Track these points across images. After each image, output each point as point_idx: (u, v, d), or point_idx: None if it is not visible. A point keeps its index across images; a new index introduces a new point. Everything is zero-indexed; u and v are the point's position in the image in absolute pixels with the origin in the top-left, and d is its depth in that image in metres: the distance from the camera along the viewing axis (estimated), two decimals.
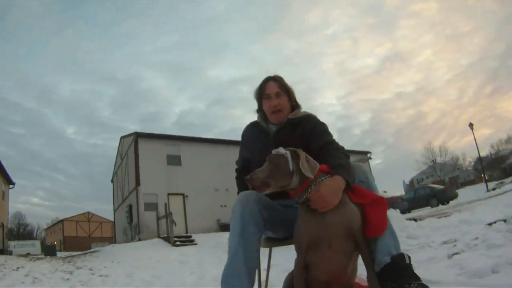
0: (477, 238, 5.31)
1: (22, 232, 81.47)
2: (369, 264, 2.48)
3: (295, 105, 3.26)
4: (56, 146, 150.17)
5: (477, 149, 46.20)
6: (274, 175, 2.40)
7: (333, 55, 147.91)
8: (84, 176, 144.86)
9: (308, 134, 3.00)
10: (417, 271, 2.51)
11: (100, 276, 9.63)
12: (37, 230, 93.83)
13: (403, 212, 25.84)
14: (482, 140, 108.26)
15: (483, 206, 11.12)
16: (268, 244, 3.21)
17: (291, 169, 2.42)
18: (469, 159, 78.91)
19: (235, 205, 2.80)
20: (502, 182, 42.69)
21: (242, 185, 3.34)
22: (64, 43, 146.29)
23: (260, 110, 3.32)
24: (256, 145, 3.23)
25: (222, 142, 33.71)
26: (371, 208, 2.49)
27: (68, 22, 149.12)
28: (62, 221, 78.46)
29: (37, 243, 41.27)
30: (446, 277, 3.48)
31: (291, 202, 2.76)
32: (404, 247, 6.04)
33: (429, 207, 28.15)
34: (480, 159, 51.30)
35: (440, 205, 27.16)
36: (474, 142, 44.89)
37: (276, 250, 3.32)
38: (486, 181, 42.74)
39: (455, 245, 5.40)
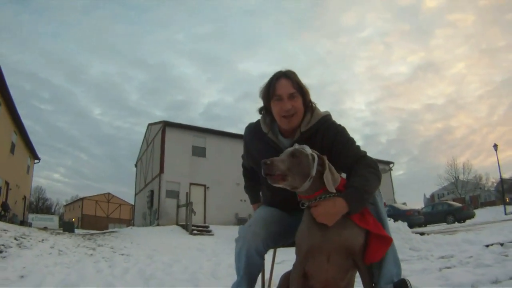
0: (471, 256, 5.63)
1: (40, 206, 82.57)
2: None
3: (307, 109, 2.82)
4: (81, 125, 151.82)
5: (499, 171, 46.13)
6: (294, 171, 2.34)
7: (365, 59, 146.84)
8: (107, 157, 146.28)
9: (329, 145, 2.69)
10: (409, 279, 2.55)
11: (122, 255, 9.95)
12: (56, 206, 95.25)
13: (419, 225, 26.08)
14: (509, 161, 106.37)
15: (491, 229, 11.44)
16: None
17: (312, 172, 2.36)
18: (492, 179, 77.84)
19: (241, 238, 2.74)
20: None
21: (249, 186, 3.49)
22: (97, 25, 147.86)
23: (266, 112, 2.91)
24: (262, 158, 2.55)
25: None
26: (375, 240, 2.41)
27: (102, 4, 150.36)
28: (82, 199, 79.54)
29: (55, 218, 42.33)
30: (431, 285, 3.96)
31: (296, 212, 2.70)
32: (404, 257, 6.53)
33: (445, 223, 28.09)
34: (501, 181, 50.77)
35: (456, 222, 27.26)
36: (498, 163, 44.66)
37: (281, 249, 3.23)
38: (505, 204, 42.47)
39: (449, 260, 5.83)
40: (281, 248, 3.15)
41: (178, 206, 26.38)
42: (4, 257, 6.55)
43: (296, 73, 2.81)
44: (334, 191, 2.36)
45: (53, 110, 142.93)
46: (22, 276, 5.14)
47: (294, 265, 2.52)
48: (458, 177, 72.53)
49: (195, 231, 22.42)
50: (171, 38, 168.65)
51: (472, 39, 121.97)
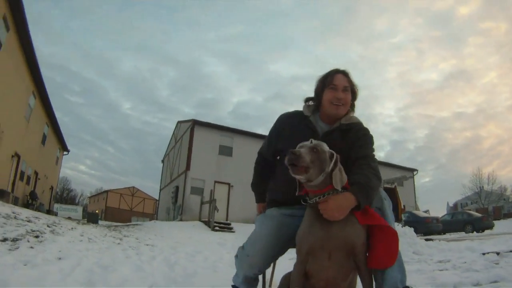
0: (465, 262, 5.87)
1: (65, 197, 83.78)
2: None
3: (351, 107, 3.12)
4: (110, 118, 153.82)
5: None
6: (315, 164, 2.41)
7: (397, 65, 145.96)
8: (133, 151, 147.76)
9: (353, 142, 2.88)
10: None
11: (147, 245, 10.28)
12: (80, 197, 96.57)
13: (438, 233, 26.18)
14: None
15: (499, 239, 11.63)
16: None
17: (328, 168, 2.45)
18: None
19: (238, 267, 3.10)
20: None
21: (258, 177, 3.53)
22: (130, 21, 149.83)
23: (315, 100, 3.14)
24: (298, 139, 2.78)
25: None
26: (380, 240, 2.48)
27: (134, 1, 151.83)
28: (107, 191, 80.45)
29: (79, 209, 43.07)
30: (419, 284, 4.33)
31: (298, 212, 2.81)
32: (405, 259, 6.86)
33: (464, 232, 27.98)
34: None
35: (474, 232, 27.31)
36: None
37: None
38: None
39: (445, 264, 6.12)
40: None
41: (202, 203, 26.81)
42: (41, 241, 6.98)
43: (351, 74, 3.09)
44: (340, 188, 2.43)
45: (83, 103, 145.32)
46: (59, 258, 5.56)
47: (295, 265, 2.58)
48: (482, 187, 71.70)
49: (216, 227, 22.88)
50: (202, 37, 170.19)
51: (504, 48, 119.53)
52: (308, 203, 2.54)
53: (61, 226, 10.75)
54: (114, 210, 74.50)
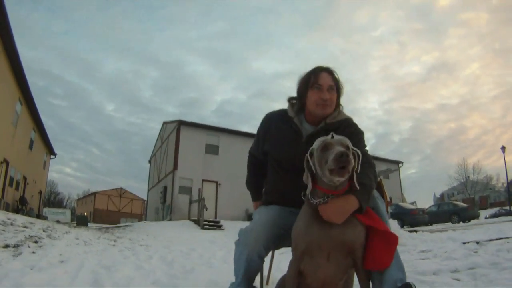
0: (446, 251, 6.20)
1: (52, 200, 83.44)
2: None
3: (337, 106, 3.01)
4: (94, 120, 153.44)
5: (506, 172, 46.76)
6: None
7: (379, 59, 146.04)
8: (119, 153, 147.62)
9: None
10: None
11: (141, 245, 10.48)
12: (67, 200, 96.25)
13: (424, 224, 26.61)
14: None
15: (479, 229, 11.98)
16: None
17: (358, 168, 2.38)
18: (503, 180, 76.90)
19: (243, 243, 2.84)
20: None
21: (252, 175, 3.53)
22: (109, 22, 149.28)
23: (298, 100, 3.04)
24: (283, 143, 2.98)
25: None
26: (378, 242, 2.44)
27: (114, 1, 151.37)
28: (94, 193, 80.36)
29: (68, 212, 43.08)
30: None
31: (296, 211, 2.69)
32: None
33: (450, 223, 28.49)
34: (508, 183, 51.26)
35: (461, 222, 27.75)
36: (505, 165, 45.23)
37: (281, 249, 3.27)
38: (510, 205, 42.97)
39: (426, 254, 6.48)
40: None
41: (191, 202, 27.18)
42: (41, 246, 7.25)
43: (336, 71, 2.98)
44: (358, 187, 2.36)
45: (66, 106, 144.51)
46: (62, 261, 5.81)
47: (290, 263, 2.53)
48: (468, 177, 72.91)
49: (206, 226, 23.15)
50: (183, 36, 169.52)
51: (485, 39, 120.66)
52: (309, 203, 2.44)
53: (56, 231, 11.03)
54: (103, 212, 74.52)
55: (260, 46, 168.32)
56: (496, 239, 7.29)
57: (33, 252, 6.38)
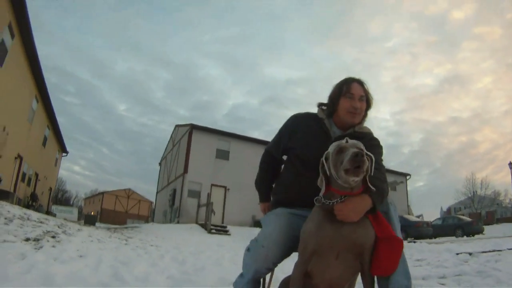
0: (439, 260, 6.55)
1: (60, 198, 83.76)
2: None
3: (364, 116, 3.14)
4: (106, 120, 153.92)
5: None
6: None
7: (391, 69, 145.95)
8: (129, 153, 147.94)
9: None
10: None
11: (152, 245, 10.74)
12: (74, 198, 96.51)
13: (429, 237, 26.75)
14: None
15: (477, 243, 12.15)
16: None
17: (369, 171, 2.45)
18: (511, 196, 76.59)
19: (252, 260, 2.89)
20: None
21: (264, 175, 3.56)
22: (124, 22, 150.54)
23: (329, 106, 3.13)
24: (311, 139, 3.02)
25: None
26: (384, 246, 2.47)
27: (130, 2, 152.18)
28: (102, 193, 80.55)
29: (75, 211, 43.23)
30: None
31: (306, 213, 2.75)
32: None
33: (454, 236, 28.53)
34: None
35: (465, 236, 27.83)
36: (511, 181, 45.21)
37: None
38: None
39: (421, 262, 6.79)
40: None
41: (199, 206, 27.40)
42: (58, 241, 7.51)
43: (366, 83, 3.13)
44: (374, 189, 2.44)
45: (78, 103, 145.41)
46: (80, 256, 6.11)
47: (296, 264, 2.55)
48: (475, 192, 72.42)
49: (213, 230, 23.38)
50: (197, 39, 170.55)
51: (499, 53, 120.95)
52: (322, 204, 2.49)
53: (70, 228, 11.27)
54: (110, 212, 74.72)
55: (273, 52, 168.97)
56: (489, 251, 7.55)
57: (53, 246, 6.67)
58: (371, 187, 2.42)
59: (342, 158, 2.34)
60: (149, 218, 69.98)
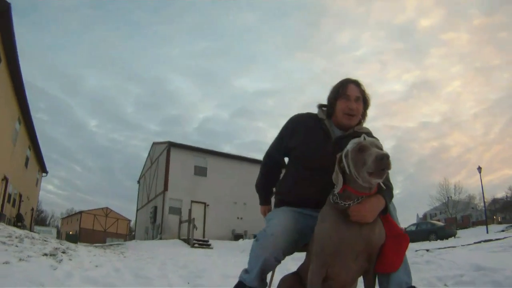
0: None
1: (36, 218, 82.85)
2: None
3: (363, 116, 3.17)
4: (77, 136, 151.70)
5: (482, 193, 48.68)
6: None
7: (361, 77, 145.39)
8: (101, 170, 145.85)
9: None
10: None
11: (148, 258, 11.38)
12: (51, 218, 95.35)
13: None
14: (506, 179, 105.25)
15: (443, 242, 13.13)
16: None
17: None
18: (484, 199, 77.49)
19: (260, 246, 2.84)
20: (511, 226, 44.26)
21: (265, 178, 3.51)
22: (95, 38, 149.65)
23: (328, 108, 3.15)
24: (312, 140, 3.04)
25: (246, 160, 36.51)
26: (391, 244, 2.49)
27: (100, 18, 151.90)
28: (80, 212, 79.89)
29: (54, 231, 43.53)
30: None
31: (309, 212, 2.91)
32: None
33: (428, 241, 29.39)
34: (484, 203, 53.20)
35: (438, 240, 28.80)
36: (481, 186, 46.76)
37: None
38: (487, 224, 44.68)
39: None
40: None
41: (181, 222, 28.25)
42: (70, 256, 8.31)
43: (363, 84, 3.14)
44: (385, 188, 2.49)
45: (49, 120, 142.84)
46: (97, 266, 7.08)
47: (313, 271, 2.49)
48: (450, 197, 73.01)
49: (196, 245, 24.26)
50: (167, 53, 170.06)
51: (466, 58, 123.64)
52: (336, 204, 2.48)
53: (67, 246, 12.06)
54: (88, 231, 74.25)
55: (243, 65, 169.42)
56: (444, 248, 8.54)
57: (70, 259, 7.63)
58: (383, 186, 2.48)
59: (365, 159, 2.32)
60: (127, 236, 70.02)
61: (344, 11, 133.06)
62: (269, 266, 2.86)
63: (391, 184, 2.67)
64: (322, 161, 2.85)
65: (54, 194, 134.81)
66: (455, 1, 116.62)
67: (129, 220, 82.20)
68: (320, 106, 3.23)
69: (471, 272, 5.15)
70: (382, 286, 2.57)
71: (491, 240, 13.95)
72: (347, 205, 2.40)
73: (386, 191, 2.52)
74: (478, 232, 35.65)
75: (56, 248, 9.31)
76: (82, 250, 10.98)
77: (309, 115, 3.24)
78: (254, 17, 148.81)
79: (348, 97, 3.00)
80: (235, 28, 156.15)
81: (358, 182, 2.38)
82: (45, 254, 7.75)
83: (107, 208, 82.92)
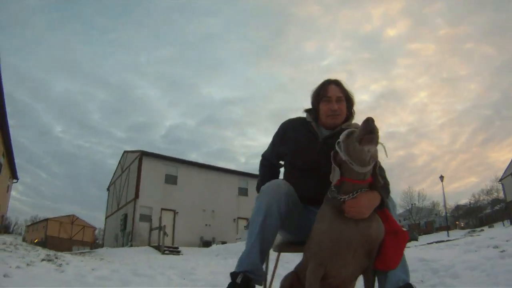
0: None
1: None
2: None
3: (349, 114, 3.13)
4: (42, 142, 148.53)
5: (444, 200, 52.49)
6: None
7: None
8: (66, 177, 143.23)
9: None
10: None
11: (122, 264, 11.26)
12: (14, 225, 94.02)
13: None
14: (470, 187, 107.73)
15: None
16: (276, 249, 3.19)
17: (377, 158, 2.42)
18: (448, 206, 77.27)
19: (263, 193, 2.77)
20: (473, 230, 46.02)
21: (265, 177, 3.28)
22: (60, 42, 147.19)
23: (312, 111, 3.15)
24: (301, 144, 3.04)
25: (215, 169, 38.09)
26: (390, 240, 2.47)
27: (65, 22, 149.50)
28: (47, 220, 79.13)
29: (19, 239, 43.49)
30: None
31: (310, 207, 2.89)
32: None
33: None
34: (445, 209, 56.92)
35: None
36: (443, 193, 48.87)
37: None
38: (448, 229, 47.44)
39: None
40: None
41: (151, 229, 28.99)
42: (64, 261, 9.12)
43: (344, 83, 3.12)
44: (382, 181, 2.45)
45: (14, 124, 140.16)
46: (93, 269, 7.75)
47: (311, 271, 2.48)
48: (414, 204, 75.40)
49: (166, 251, 24.98)
50: (134, 59, 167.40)
51: (433, 68, 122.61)
52: (333, 198, 2.47)
53: (53, 253, 12.60)
54: (55, 239, 73.16)
55: (210, 72, 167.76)
56: None
57: (67, 264, 8.50)
58: (380, 179, 2.44)
59: (353, 136, 2.34)
60: (93, 244, 69.63)
61: (311, 20, 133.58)
62: (270, 220, 2.70)
63: (387, 180, 2.66)
64: (312, 162, 2.93)
65: (18, 200, 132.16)
66: (420, 11, 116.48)
67: (95, 228, 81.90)
68: (307, 110, 3.22)
69: (416, 263, 6.34)
70: (380, 284, 2.57)
71: (442, 241, 15.24)
72: (342, 199, 2.40)
73: (381, 186, 2.50)
74: (440, 237, 36.92)
75: (48, 255, 10.06)
76: (68, 257, 11.63)
77: (298, 119, 3.25)
78: (220, 24, 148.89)
79: (329, 98, 3.01)
80: (201, 35, 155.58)
81: (353, 169, 2.37)
82: (43, 260, 8.60)
83: (73, 215, 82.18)
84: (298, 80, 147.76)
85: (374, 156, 2.38)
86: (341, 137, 2.46)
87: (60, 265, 8.06)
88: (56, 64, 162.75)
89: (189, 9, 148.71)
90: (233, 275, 2.58)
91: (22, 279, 5.57)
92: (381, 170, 2.62)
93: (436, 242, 14.29)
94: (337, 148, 2.46)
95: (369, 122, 2.23)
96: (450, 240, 15.24)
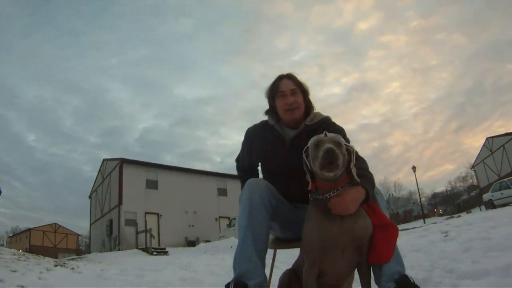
0: None
1: None
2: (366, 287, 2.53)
3: (309, 105, 3.07)
4: (15, 151, 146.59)
5: (417, 189, 53.34)
6: (342, 159, 2.31)
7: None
8: (42, 186, 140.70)
9: None
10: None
11: (124, 264, 12.01)
12: None
13: None
14: (446, 174, 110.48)
15: None
16: (273, 245, 3.16)
17: (353, 162, 2.40)
18: (425, 194, 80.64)
19: (244, 189, 2.76)
20: (451, 217, 47.56)
21: (246, 178, 3.02)
22: (30, 47, 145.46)
23: (271, 111, 3.12)
24: (268, 150, 3.01)
25: (194, 172, 39.69)
26: (381, 234, 2.44)
27: (35, 27, 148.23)
28: (29, 229, 78.98)
29: (6, 250, 44.03)
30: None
31: (301, 206, 2.82)
32: None
33: None
34: (419, 197, 57.58)
35: None
36: (416, 184, 50.45)
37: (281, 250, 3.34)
38: (424, 217, 49.11)
39: None
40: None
41: (137, 232, 29.80)
42: (72, 268, 9.66)
43: (297, 75, 3.09)
44: (358, 180, 2.39)
45: None
46: (102, 270, 8.85)
47: (306, 269, 2.48)
48: (391, 194, 76.39)
49: (154, 253, 25.96)
50: (105, 62, 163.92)
51: (405, 59, 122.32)
52: (316, 200, 2.42)
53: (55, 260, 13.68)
54: (39, 248, 72.95)
55: (182, 72, 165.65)
56: None
57: (78, 267, 9.56)
58: (356, 178, 2.38)
59: (318, 154, 2.31)
60: (77, 250, 69.76)
61: (282, 17, 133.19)
62: (256, 210, 2.67)
63: (369, 173, 2.61)
64: (284, 165, 2.90)
65: None
66: (392, 5, 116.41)
67: (78, 235, 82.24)
68: (267, 112, 3.19)
69: None
70: (376, 277, 2.51)
71: (414, 228, 16.67)
72: (325, 198, 2.35)
73: (364, 180, 2.44)
74: (417, 225, 38.39)
75: (55, 261, 11.10)
76: (70, 262, 12.59)
77: (261, 125, 3.20)
78: (190, 24, 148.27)
79: (283, 93, 2.98)
80: (171, 35, 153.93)
81: (320, 176, 2.36)
82: (56, 265, 9.69)
83: (55, 223, 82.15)
84: (269, 76, 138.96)
85: (348, 158, 2.39)
86: (310, 143, 2.45)
87: (73, 268, 9.16)
88: (27, 70, 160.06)
89: (162, 10, 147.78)
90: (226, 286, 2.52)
91: (56, 281, 6.72)
92: (363, 162, 2.65)
93: (400, 230, 15.65)
94: (304, 156, 2.48)
95: (328, 153, 2.24)
96: (421, 226, 16.52)
